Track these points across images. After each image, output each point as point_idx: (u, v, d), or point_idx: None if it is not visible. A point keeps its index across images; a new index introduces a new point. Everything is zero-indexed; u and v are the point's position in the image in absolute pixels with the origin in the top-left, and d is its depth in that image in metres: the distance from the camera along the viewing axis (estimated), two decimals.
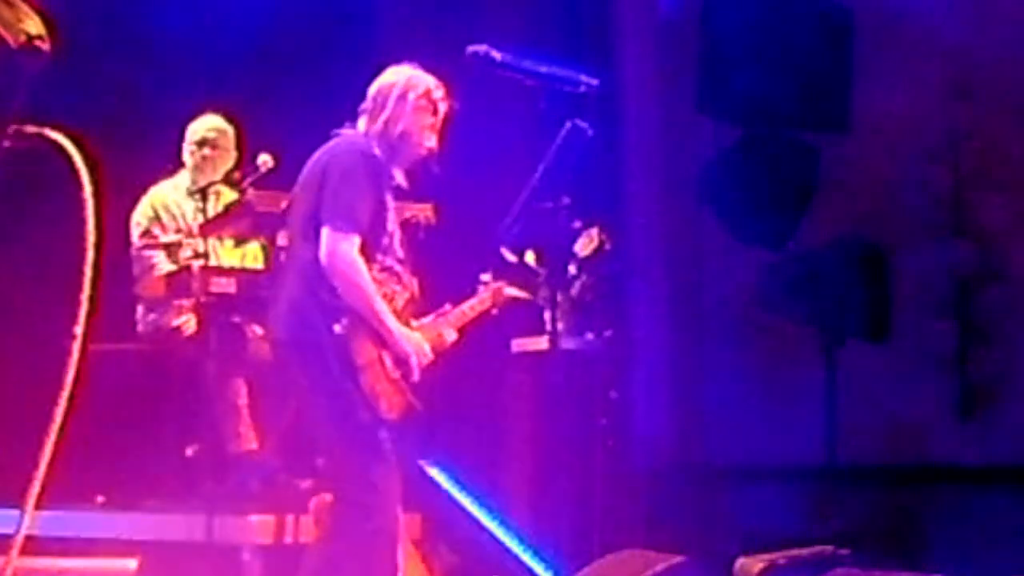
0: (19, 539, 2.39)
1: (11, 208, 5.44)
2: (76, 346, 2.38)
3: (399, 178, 4.95)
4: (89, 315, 2.41)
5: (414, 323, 5.01)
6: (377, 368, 4.75)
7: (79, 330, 2.38)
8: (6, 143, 2.25)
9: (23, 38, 2.23)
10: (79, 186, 2.39)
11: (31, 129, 2.32)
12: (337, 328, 4.68)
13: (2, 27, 2.19)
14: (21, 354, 6.63)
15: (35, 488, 2.32)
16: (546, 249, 5.63)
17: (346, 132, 4.95)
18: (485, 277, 5.57)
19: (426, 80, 4.96)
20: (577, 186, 4.54)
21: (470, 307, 5.40)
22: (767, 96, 6.72)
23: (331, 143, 4.93)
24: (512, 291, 5.68)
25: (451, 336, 5.19)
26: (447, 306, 5.28)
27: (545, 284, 5.92)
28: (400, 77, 4.96)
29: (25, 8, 2.25)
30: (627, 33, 7.28)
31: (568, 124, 4.51)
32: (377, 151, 4.87)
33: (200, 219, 6.02)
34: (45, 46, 2.26)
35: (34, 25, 2.26)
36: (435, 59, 5.07)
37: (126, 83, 7.18)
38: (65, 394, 2.36)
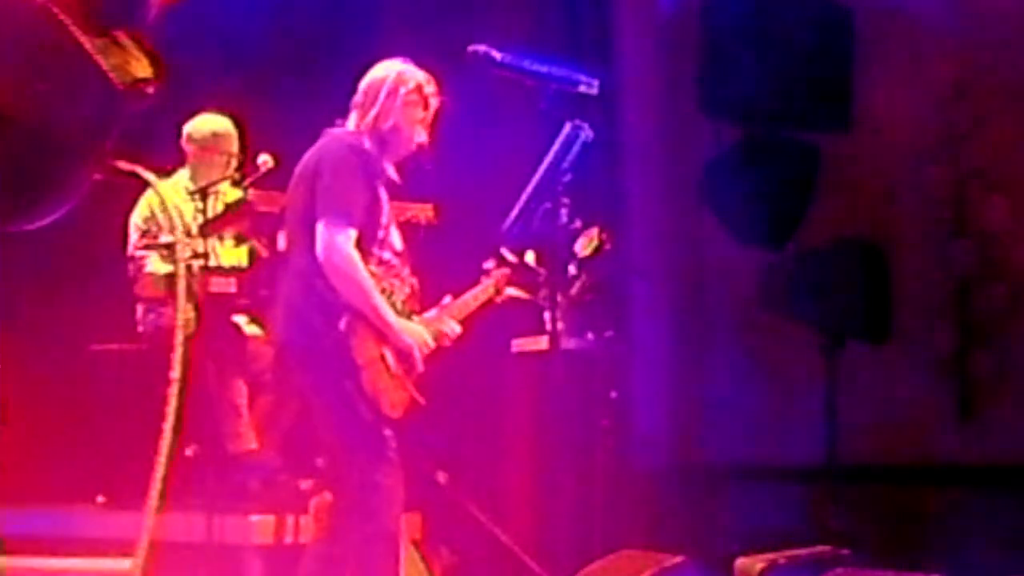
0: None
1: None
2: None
3: (391, 172, 4.94)
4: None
5: (416, 319, 4.99)
6: (378, 366, 4.75)
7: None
8: (97, 176, 2.26)
9: (129, 80, 2.24)
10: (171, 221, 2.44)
11: (125, 166, 2.33)
12: (340, 325, 4.67)
13: (109, 68, 2.19)
14: (22, 355, 6.63)
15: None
16: (546, 249, 5.62)
17: (336, 130, 4.94)
18: (488, 264, 5.54)
19: (417, 75, 4.95)
20: (577, 186, 4.53)
21: (473, 297, 5.38)
22: (767, 96, 6.72)
23: (321, 141, 4.93)
24: (512, 291, 5.67)
25: (455, 329, 5.17)
26: (448, 298, 5.26)
27: (545, 284, 5.91)
28: (391, 72, 4.95)
29: (134, 50, 2.25)
30: (627, 33, 7.28)
31: (568, 124, 4.50)
32: (368, 145, 4.87)
33: (200, 219, 6.02)
34: (151, 90, 2.28)
35: (142, 68, 2.27)
36: (435, 59, 5.06)
37: None
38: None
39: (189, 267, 5.99)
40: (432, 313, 5.13)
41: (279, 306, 4.89)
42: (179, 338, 2.45)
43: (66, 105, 2.17)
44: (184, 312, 6.29)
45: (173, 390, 2.37)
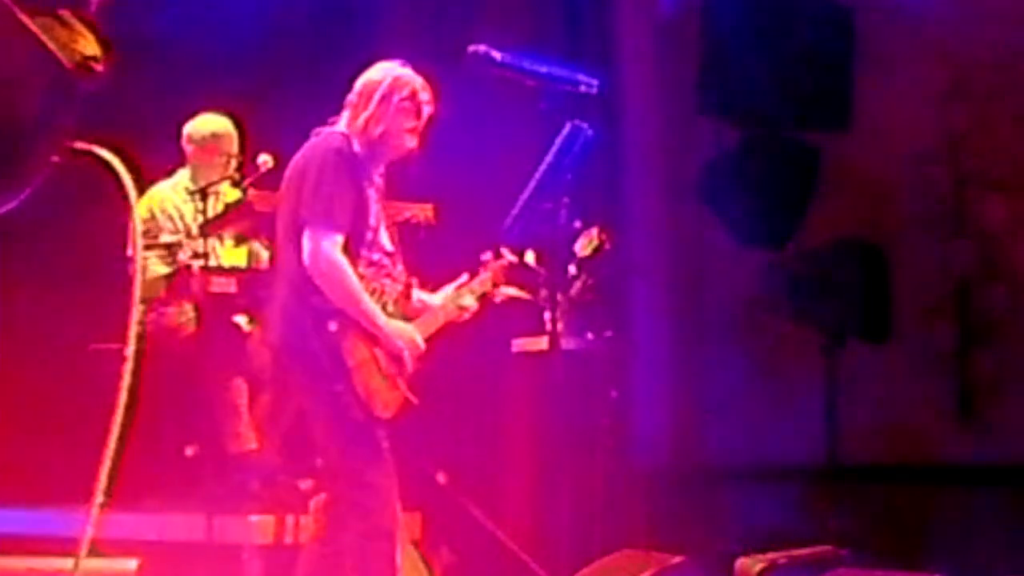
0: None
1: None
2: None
3: (377, 178, 4.92)
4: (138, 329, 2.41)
5: (424, 296, 4.99)
6: (370, 367, 4.74)
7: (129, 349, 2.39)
8: (55, 159, 2.25)
9: (77, 58, 2.23)
10: (128, 205, 2.43)
11: (82, 146, 2.31)
12: (331, 327, 4.67)
13: (56, 47, 2.18)
14: (22, 355, 6.64)
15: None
16: (546, 249, 5.61)
17: (326, 129, 4.92)
18: (485, 256, 5.53)
19: (413, 81, 4.91)
20: (577, 186, 4.53)
21: (469, 289, 5.37)
22: (768, 96, 6.72)
23: (310, 142, 4.91)
24: (511, 291, 5.67)
25: (473, 304, 5.18)
26: (452, 285, 5.25)
27: (545, 284, 5.91)
28: (387, 76, 4.90)
29: (80, 28, 2.24)
30: (627, 33, 7.28)
31: (568, 124, 4.50)
32: (356, 147, 4.85)
33: (199, 219, 6.02)
34: (100, 67, 2.27)
35: (89, 46, 2.25)
36: (435, 59, 5.05)
37: (125, 83, 7.16)
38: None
39: (188, 267, 6.00)
40: (447, 290, 5.13)
41: (273, 308, 4.89)
42: (134, 318, 2.45)
43: (17, 89, 2.16)
44: (183, 311, 6.29)
45: (127, 367, 2.37)
